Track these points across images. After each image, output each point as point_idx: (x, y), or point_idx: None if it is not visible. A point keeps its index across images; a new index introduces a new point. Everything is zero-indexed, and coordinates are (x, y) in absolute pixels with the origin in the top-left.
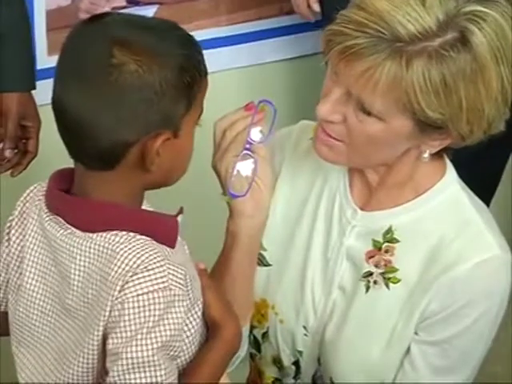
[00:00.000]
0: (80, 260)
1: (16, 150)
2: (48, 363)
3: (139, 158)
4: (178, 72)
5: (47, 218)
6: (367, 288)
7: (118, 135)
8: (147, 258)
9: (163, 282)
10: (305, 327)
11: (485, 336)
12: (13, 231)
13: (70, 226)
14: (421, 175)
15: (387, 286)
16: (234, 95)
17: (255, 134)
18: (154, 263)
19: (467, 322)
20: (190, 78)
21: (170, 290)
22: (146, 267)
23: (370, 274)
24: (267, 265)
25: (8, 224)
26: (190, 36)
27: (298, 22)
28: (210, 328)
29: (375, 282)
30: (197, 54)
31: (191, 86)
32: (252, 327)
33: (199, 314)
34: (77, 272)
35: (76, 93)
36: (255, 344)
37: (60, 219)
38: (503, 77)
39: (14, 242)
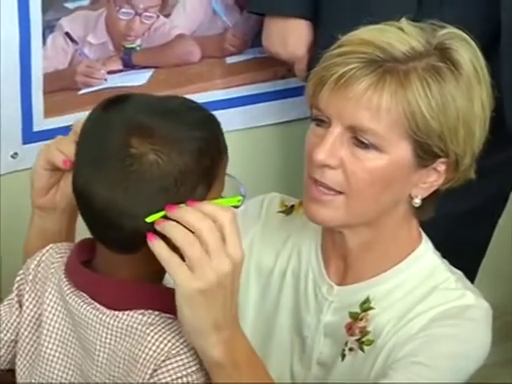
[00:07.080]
0: (106, 338)
1: None
2: None
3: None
4: (197, 156)
5: (69, 292)
6: (343, 356)
7: (141, 221)
8: (177, 340)
9: (195, 365)
10: None
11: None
12: (26, 296)
13: (94, 302)
14: (400, 242)
15: (362, 349)
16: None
17: None
18: (185, 346)
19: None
20: (210, 160)
21: (201, 371)
22: (177, 352)
23: (345, 342)
24: None
25: (17, 285)
26: (211, 115)
27: (292, 86)
28: None
29: (351, 349)
30: (216, 134)
31: (211, 167)
32: None
33: None
34: (102, 349)
35: (99, 183)
36: None
37: (84, 294)
38: (483, 98)
39: (28, 308)
